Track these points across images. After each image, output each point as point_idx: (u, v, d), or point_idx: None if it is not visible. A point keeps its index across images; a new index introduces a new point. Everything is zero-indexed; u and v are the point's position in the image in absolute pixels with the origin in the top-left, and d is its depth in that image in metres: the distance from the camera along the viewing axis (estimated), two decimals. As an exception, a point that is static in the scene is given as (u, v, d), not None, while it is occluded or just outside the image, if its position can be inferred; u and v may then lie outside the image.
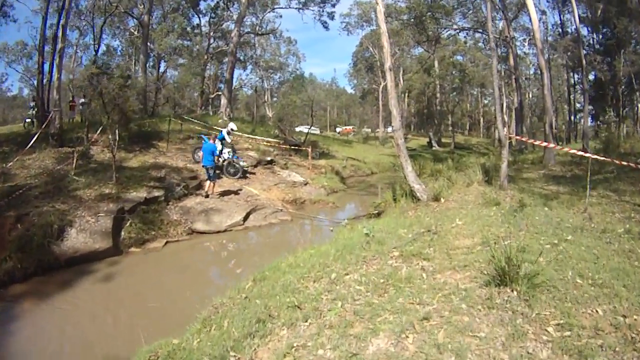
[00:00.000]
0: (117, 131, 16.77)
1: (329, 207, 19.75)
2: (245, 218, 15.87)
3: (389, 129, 72.98)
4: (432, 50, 52.14)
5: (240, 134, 26.85)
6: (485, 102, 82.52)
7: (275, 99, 69.89)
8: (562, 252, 6.99)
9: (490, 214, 10.44)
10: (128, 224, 13.56)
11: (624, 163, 12.16)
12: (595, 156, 11.81)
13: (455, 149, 49.91)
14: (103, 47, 51.81)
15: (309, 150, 27.35)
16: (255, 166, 23.20)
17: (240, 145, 25.94)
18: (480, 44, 55.06)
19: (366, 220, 13.15)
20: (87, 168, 16.90)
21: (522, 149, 30.37)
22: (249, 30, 47.66)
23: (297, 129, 41.89)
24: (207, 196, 16.60)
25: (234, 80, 48.75)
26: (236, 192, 18.04)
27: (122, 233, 13.24)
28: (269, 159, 25.02)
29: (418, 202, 12.88)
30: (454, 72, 60.41)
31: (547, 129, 21.34)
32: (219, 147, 18.67)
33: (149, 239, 13.45)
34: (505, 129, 14.19)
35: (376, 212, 15.46)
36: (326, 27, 44.51)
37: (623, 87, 38.49)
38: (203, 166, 16.71)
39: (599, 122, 34.99)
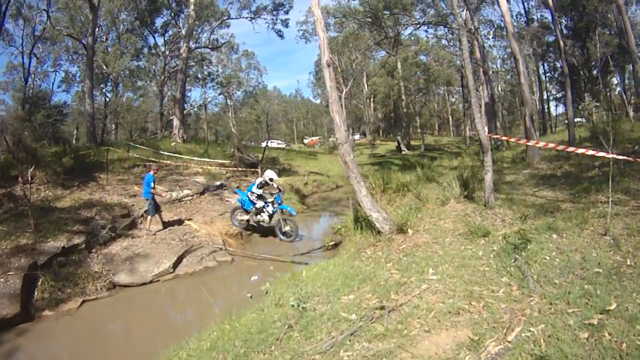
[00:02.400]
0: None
1: (280, 239, 16.48)
2: (177, 263, 13.21)
3: (356, 137, 71.90)
4: (394, 52, 50.96)
5: (189, 157, 24.69)
6: (453, 100, 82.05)
7: (242, 115, 68.22)
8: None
9: (479, 253, 7.42)
10: (41, 282, 11.24)
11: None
12: (613, 155, 8.68)
13: (425, 151, 47.62)
14: (62, 74, 50.03)
15: (258, 170, 24.11)
16: (202, 193, 20.41)
17: (190, 170, 23.58)
18: (443, 42, 53.40)
19: (315, 263, 10.39)
20: (15, 212, 14.70)
21: (498, 146, 27.76)
22: (204, 46, 45.88)
23: (263, 144, 38.32)
24: (149, 232, 15.03)
25: (198, 99, 48.29)
26: (169, 226, 15.93)
27: (35, 293, 10.92)
28: (218, 183, 22.16)
29: (379, 236, 9.75)
30: (418, 73, 59.33)
31: (527, 122, 18.56)
32: (253, 188, 15.59)
33: (64, 299, 11.03)
34: (486, 129, 10.77)
35: (332, 243, 13.21)
36: (281, 36, 42.61)
37: (596, 70, 36.71)
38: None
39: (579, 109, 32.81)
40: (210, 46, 46.14)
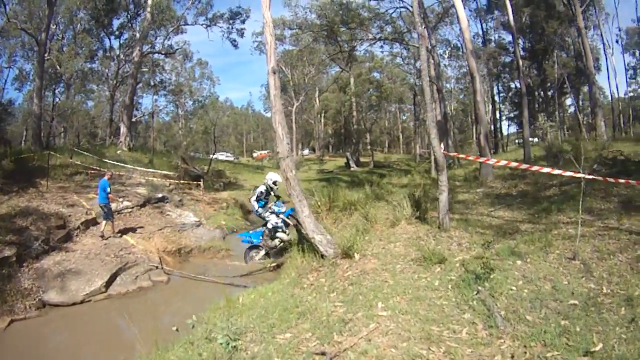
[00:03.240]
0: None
1: (221, 256, 15.66)
2: (110, 282, 12.34)
3: (305, 152, 71.25)
4: (347, 68, 50.94)
5: (132, 167, 23.61)
6: (404, 117, 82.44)
7: (193, 125, 65.28)
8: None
9: (435, 283, 6.48)
10: (-35, 299, 10.37)
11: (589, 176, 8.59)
12: (586, 175, 7.90)
13: (374, 167, 46.97)
14: (15, 71, 47.27)
15: (200, 184, 23.10)
16: (143, 206, 19.45)
17: (133, 179, 22.62)
18: (398, 60, 53.72)
19: (253, 287, 9.17)
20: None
21: (450, 164, 27.45)
22: (158, 51, 43.94)
23: (211, 156, 36.96)
24: (102, 237, 14.62)
25: (150, 106, 46.91)
26: (105, 241, 14.80)
27: (-41, 312, 10.02)
28: (160, 195, 21.19)
29: (323, 260, 8.72)
30: (370, 89, 59.22)
31: (482, 140, 17.96)
32: (255, 205, 13.18)
33: None
34: (442, 146, 9.91)
35: (274, 264, 12.21)
36: (235, 46, 41.86)
37: (552, 91, 37.41)
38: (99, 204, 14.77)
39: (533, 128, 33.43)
40: (163, 52, 44.46)
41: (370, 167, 48.61)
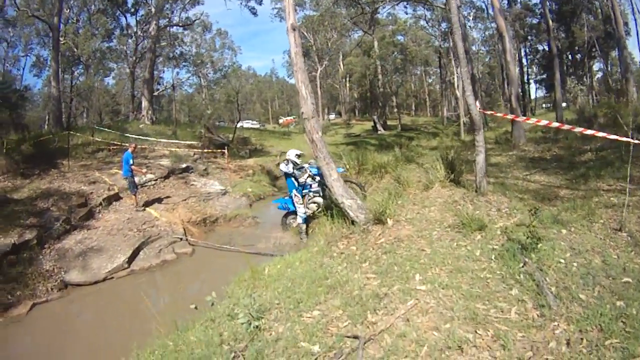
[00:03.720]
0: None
1: (247, 224, 15.13)
2: (133, 257, 11.90)
3: (331, 116, 70.53)
4: (370, 31, 49.51)
5: (156, 139, 23.79)
6: (430, 81, 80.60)
7: (216, 95, 66.28)
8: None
9: (476, 253, 5.97)
10: (-12, 286, 10.10)
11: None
12: (634, 140, 7.27)
13: (402, 131, 45.89)
14: (33, 59, 48.14)
15: (225, 151, 22.56)
16: (167, 177, 19.20)
17: (157, 152, 22.51)
18: (421, 22, 53.18)
19: (280, 256, 8.55)
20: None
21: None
22: (175, 24, 43.57)
23: (239, 125, 37.30)
24: (137, 209, 14.70)
25: (172, 80, 45.98)
26: (128, 215, 14.54)
27: (-18, 299, 9.74)
28: (184, 166, 21.00)
29: (353, 226, 8.23)
30: (395, 52, 57.91)
31: (513, 102, 17.35)
32: (303, 178, 11.93)
33: (13, 303, 9.74)
34: (478, 103, 9.20)
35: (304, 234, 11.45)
36: (254, 14, 40.09)
37: (580, 55, 36.08)
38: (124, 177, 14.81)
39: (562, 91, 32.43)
40: (180, 24, 44.01)
41: (397, 130, 47.63)
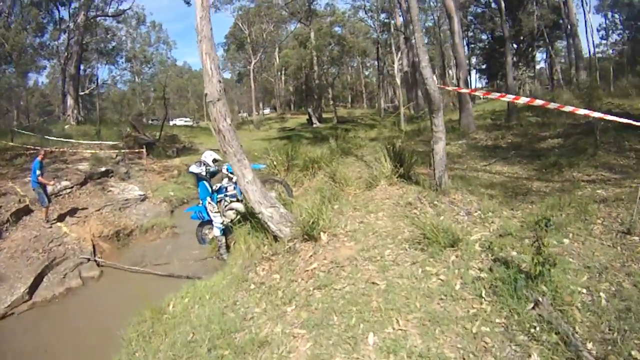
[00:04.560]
0: None
1: (165, 236, 13.16)
2: (35, 286, 9.98)
3: (266, 111, 69.10)
4: (308, 22, 48.68)
5: (77, 141, 21.88)
6: (367, 73, 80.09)
7: (151, 93, 63.77)
8: None
9: (455, 286, 4.07)
10: None
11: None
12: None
13: (338, 123, 44.50)
14: None
15: (144, 151, 20.64)
16: (84, 183, 17.07)
17: (78, 155, 20.18)
18: (360, 14, 52.51)
19: (192, 283, 6.51)
20: None
21: (420, 115, 25.52)
22: (104, 14, 40.86)
23: (172, 123, 34.33)
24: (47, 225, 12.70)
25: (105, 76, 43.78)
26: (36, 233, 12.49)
27: None
28: (103, 169, 18.94)
29: (276, 243, 6.10)
30: (332, 43, 56.26)
31: (462, 86, 15.94)
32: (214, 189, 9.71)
33: None
34: (435, 78, 7.28)
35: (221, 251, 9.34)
36: (187, 3, 38.25)
37: (525, 44, 36.44)
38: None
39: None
40: (110, 14, 41.17)
41: (333, 122, 46.23)
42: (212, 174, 9.57)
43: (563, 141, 10.86)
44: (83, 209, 14.53)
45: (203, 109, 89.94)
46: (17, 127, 25.89)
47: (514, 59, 36.90)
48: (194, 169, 9.32)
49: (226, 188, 9.44)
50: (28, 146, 19.66)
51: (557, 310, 3.37)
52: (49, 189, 13.70)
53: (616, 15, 46.60)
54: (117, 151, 21.70)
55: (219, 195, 9.46)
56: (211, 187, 9.43)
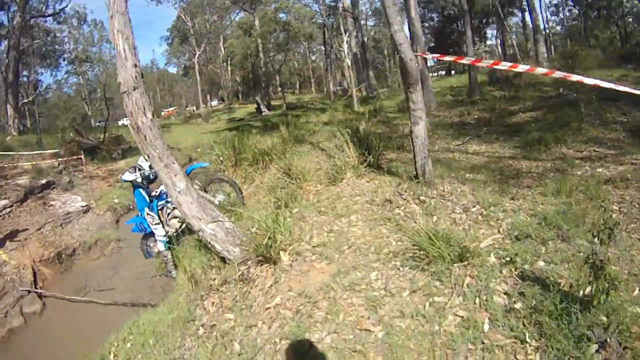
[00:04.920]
0: None
1: (110, 252, 11.83)
2: None
3: (214, 102, 68.36)
4: (252, 10, 48.76)
5: (18, 153, 20.37)
6: (313, 58, 79.15)
7: (98, 94, 59.29)
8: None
9: (483, 326, 2.85)
10: None
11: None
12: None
13: (287, 109, 43.58)
14: None
15: (81, 158, 18.88)
16: (24, 200, 15.54)
17: (19, 169, 18.53)
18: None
19: (139, 313, 5.45)
20: None
21: (373, 97, 24.72)
22: (41, 14, 38.72)
23: (120, 123, 37.83)
24: None
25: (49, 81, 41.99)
26: None
27: None
28: (44, 181, 17.43)
29: (226, 267, 4.78)
30: (277, 30, 55.44)
31: (420, 62, 14.83)
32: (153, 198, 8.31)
33: None
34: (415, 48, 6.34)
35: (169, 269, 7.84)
36: None
37: (477, 20, 36.99)
38: None
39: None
40: (47, 14, 39.10)
41: (283, 109, 45.24)
42: (152, 180, 8.09)
43: (540, 115, 10.08)
44: (23, 230, 13.04)
45: (151, 105, 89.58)
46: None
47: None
48: (127, 176, 7.85)
49: (165, 194, 8.03)
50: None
51: (625, 349, 2.29)
52: None
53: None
54: (59, 160, 19.99)
55: (160, 202, 8.02)
56: (149, 195, 8.05)
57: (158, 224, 7.78)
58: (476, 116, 11.65)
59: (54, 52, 47.10)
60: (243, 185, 8.51)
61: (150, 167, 7.98)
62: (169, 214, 8.05)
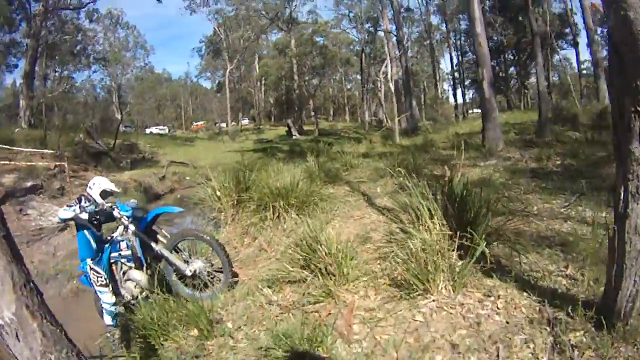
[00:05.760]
0: None
1: (68, 293, 9.62)
2: None
3: (244, 121, 69.31)
4: (288, 30, 49.34)
5: (17, 148, 19.42)
6: (349, 86, 79.04)
7: (129, 99, 64.67)
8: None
9: None
10: None
11: None
12: None
13: (319, 135, 42.26)
14: None
15: (64, 165, 18.18)
16: (1, 202, 13.76)
17: (10, 165, 17.18)
18: (344, 23, 52.28)
19: None
20: None
21: (419, 127, 22.39)
22: (65, 6, 37.98)
23: (148, 130, 38.13)
24: None
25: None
26: None
27: None
28: (29, 184, 16.33)
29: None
30: (313, 51, 55.96)
31: (486, 90, 12.26)
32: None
33: None
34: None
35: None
36: (159, 0, 38.39)
37: (527, 53, 35.49)
38: None
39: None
40: (71, 7, 38.43)
41: (314, 135, 44.38)
42: (103, 217, 5.26)
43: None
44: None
45: (182, 117, 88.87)
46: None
47: (516, 68, 34.26)
48: (63, 213, 5.37)
49: (119, 243, 5.26)
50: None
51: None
52: None
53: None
54: (59, 163, 18.75)
55: (113, 254, 5.32)
56: (99, 240, 5.39)
57: (104, 286, 5.10)
58: (558, 162, 9.06)
59: (85, 50, 46.89)
60: (242, 240, 5.78)
61: (104, 193, 5.34)
62: (123, 274, 5.31)
